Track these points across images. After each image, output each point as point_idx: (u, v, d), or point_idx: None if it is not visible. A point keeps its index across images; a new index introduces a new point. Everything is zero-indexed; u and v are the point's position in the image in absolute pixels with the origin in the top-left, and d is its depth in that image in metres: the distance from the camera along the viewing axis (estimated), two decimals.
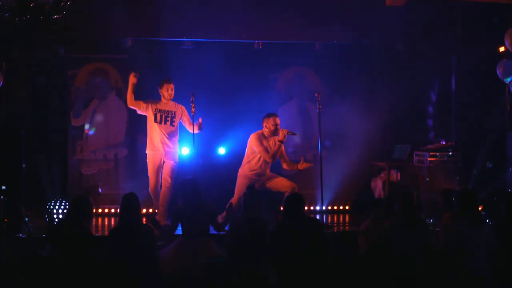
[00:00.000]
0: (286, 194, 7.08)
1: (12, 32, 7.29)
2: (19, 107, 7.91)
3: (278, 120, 7.15)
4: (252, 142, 7.12)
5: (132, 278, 4.92)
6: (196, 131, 7.13)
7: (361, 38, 8.31)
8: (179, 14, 7.88)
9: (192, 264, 5.16)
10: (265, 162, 7.13)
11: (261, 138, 7.11)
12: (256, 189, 5.96)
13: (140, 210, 5.34)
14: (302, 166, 7.19)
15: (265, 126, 7.15)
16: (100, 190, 8.23)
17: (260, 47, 8.32)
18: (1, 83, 7.29)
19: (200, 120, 7.14)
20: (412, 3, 7.76)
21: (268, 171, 7.21)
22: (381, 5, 7.91)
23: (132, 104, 7.22)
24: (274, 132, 7.12)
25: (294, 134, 7.31)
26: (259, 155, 7.10)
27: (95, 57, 8.48)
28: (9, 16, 6.22)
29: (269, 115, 7.20)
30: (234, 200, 7.05)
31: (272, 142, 7.15)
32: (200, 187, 5.65)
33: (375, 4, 7.97)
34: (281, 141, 7.07)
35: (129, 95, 7.18)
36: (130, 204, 5.21)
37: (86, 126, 8.49)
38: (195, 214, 5.47)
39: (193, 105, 7.07)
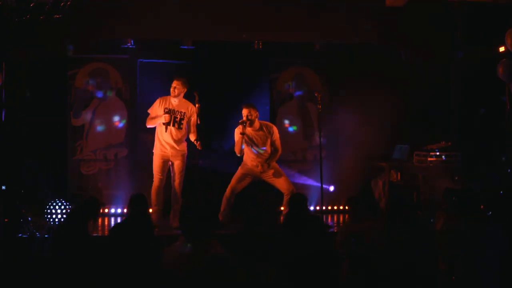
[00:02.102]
0: (285, 197, 7.12)
1: (12, 32, 7.29)
2: (19, 107, 7.90)
3: (244, 111, 7.09)
4: None
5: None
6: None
7: (361, 38, 8.30)
8: (179, 13, 7.88)
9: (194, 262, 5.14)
10: (258, 154, 7.12)
11: (238, 130, 7.10)
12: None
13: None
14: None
15: None
16: None
17: (260, 47, 8.30)
18: (1, 83, 7.29)
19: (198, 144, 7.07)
20: (412, 3, 7.75)
21: (268, 164, 7.16)
22: (381, 5, 7.90)
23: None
24: (251, 123, 7.09)
25: (243, 123, 7.09)
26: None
27: (95, 57, 8.46)
28: (9, 16, 6.23)
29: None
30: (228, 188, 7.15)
31: (250, 131, 7.13)
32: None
33: (375, 4, 7.96)
34: (242, 134, 7.05)
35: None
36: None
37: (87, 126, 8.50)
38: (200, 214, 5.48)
39: (197, 105, 6.97)
